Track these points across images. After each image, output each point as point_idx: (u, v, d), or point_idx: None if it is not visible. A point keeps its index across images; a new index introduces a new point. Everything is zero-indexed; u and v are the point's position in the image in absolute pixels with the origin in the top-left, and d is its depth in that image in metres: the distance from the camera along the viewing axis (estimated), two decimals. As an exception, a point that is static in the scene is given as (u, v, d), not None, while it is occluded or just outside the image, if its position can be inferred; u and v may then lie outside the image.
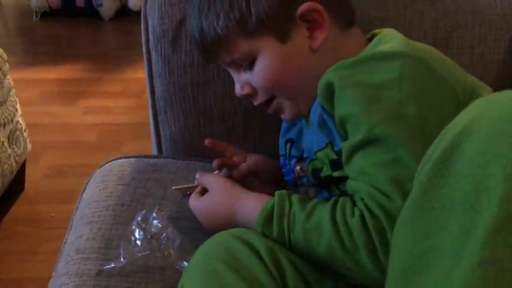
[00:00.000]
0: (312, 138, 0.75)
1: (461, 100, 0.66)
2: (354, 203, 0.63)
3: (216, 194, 0.76)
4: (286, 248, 0.65)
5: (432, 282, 0.45)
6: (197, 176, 0.80)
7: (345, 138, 0.67)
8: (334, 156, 0.70)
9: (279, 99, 0.78)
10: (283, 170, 0.83)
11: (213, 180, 0.78)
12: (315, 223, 0.63)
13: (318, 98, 0.69)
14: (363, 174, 0.63)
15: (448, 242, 0.44)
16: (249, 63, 0.75)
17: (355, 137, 0.64)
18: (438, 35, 0.91)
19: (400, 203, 0.57)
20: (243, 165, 0.84)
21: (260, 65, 0.74)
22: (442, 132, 0.49)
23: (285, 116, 0.80)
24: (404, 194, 0.56)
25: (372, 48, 0.72)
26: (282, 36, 0.73)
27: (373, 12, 0.90)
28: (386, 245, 0.58)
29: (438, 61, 0.69)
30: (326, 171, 0.72)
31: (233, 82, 0.92)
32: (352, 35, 0.76)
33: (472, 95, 0.69)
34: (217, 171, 0.83)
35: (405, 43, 0.70)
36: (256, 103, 0.79)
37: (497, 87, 0.77)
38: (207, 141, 0.85)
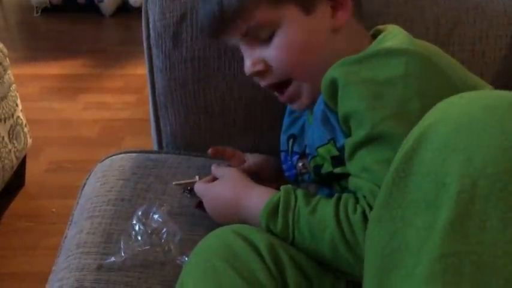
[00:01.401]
0: (314, 134, 0.74)
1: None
2: (357, 200, 0.63)
3: (225, 182, 0.77)
4: (287, 243, 0.65)
5: (400, 279, 0.46)
6: (213, 167, 0.82)
7: (347, 135, 0.66)
8: (336, 153, 0.69)
9: (295, 83, 0.75)
10: (284, 165, 0.83)
11: (226, 170, 0.79)
12: (319, 218, 0.63)
13: (322, 96, 0.69)
14: (366, 171, 0.63)
15: (413, 239, 0.46)
16: (267, 35, 0.72)
17: (358, 133, 0.64)
18: (439, 31, 0.90)
19: None
20: (244, 166, 0.84)
21: (281, 38, 0.72)
22: (408, 135, 0.50)
23: (298, 103, 0.77)
24: None
25: (377, 45, 0.71)
26: (307, 8, 0.71)
27: (375, 7, 0.90)
28: None
29: (442, 59, 0.69)
30: (327, 168, 0.71)
31: (234, 77, 0.92)
32: (361, 28, 0.76)
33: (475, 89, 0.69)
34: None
35: (409, 40, 0.70)
36: (265, 83, 0.76)
37: (498, 83, 0.77)
38: (210, 151, 0.85)
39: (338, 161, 0.69)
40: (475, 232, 0.42)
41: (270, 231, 0.67)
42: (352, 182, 0.65)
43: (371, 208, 0.60)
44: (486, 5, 0.92)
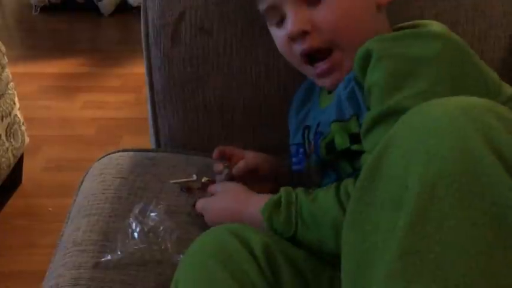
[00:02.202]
0: (331, 111, 0.73)
1: (491, 89, 0.67)
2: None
3: (225, 194, 0.78)
4: (289, 236, 0.66)
5: (367, 281, 0.47)
6: (211, 187, 0.82)
7: (369, 108, 0.66)
8: (356, 130, 0.69)
9: (337, 52, 0.73)
10: (294, 159, 0.82)
11: (225, 184, 0.80)
12: (320, 204, 0.65)
13: (353, 68, 0.68)
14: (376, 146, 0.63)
15: (379, 241, 0.47)
16: None
17: (378, 107, 0.63)
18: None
19: None
20: (241, 163, 0.84)
21: None
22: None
23: (335, 76, 0.75)
24: None
25: (413, 27, 0.73)
26: None
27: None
28: None
29: (473, 52, 0.69)
30: (342, 144, 0.70)
31: (233, 76, 0.92)
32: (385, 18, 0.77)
33: (500, 88, 0.70)
34: (220, 168, 0.84)
35: (444, 27, 0.71)
36: (305, 46, 0.73)
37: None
38: (215, 154, 0.85)
39: (357, 138, 0.68)
40: (433, 231, 0.44)
41: (271, 226, 0.67)
42: (363, 159, 0.65)
43: None
44: (485, 6, 0.92)
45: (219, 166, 0.85)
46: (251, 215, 0.71)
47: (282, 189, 0.69)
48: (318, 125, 0.77)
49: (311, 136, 0.79)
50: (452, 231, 0.43)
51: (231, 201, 0.76)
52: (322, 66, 0.74)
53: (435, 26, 0.73)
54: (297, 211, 0.66)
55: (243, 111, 0.95)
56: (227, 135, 0.97)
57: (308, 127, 0.81)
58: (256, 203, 0.71)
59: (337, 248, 0.62)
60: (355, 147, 0.69)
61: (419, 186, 0.45)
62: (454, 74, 0.63)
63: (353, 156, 0.70)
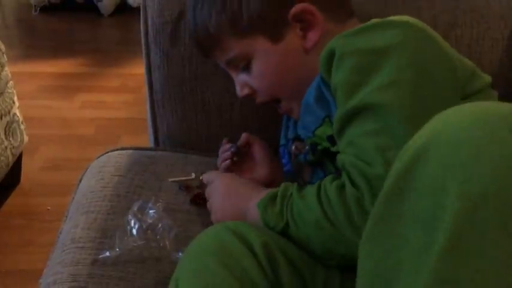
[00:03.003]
0: (306, 121, 0.74)
1: (460, 76, 0.66)
2: (339, 175, 0.63)
3: (237, 177, 0.79)
4: (279, 231, 0.66)
5: None
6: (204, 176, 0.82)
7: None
8: (331, 132, 0.69)
9: (285, 101, 0.78)
10: (283, 160, 0.83)
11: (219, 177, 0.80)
12: (307, 201, 0.64)
13: (319, 69, 0.69)
14: (350, 145, 0.63)
15: (408, 260, 0.44)
16: (244, 64, 0.76)
17: (345, 106, 0.63)
18: (436, 32, 0.91)
19: (382, 171, 0.57)
20: (244, 134, 0.87)
21: (256, 67, 0.75)
22: (404, 148, 0.48)
23: (295, 116, 0.80)
24: (387, 163, 0.56)
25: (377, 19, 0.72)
26: (275, 36, 0.73)
27: (372, 8, 0.90)
28: (363, 211, 0.58)
29: (440, 38, 0.69)
30: (324, 145, 0.71)
31: (231, 77, 0.93)
32: (351, 27, 0.76)
33: (473, 76, 0.69)
34: (226, 146, 0.86)
35: (411, 18, 0.70)
36: (257, 102, 0.80)
37: (494, 85, 0.78)
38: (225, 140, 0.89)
39: (334, 140, 0.69)
40: (473, 259, 0.40)
41: (264, 220, 0.67)
42: (338, 159, 0.64)
43: (351, 181, 0.60)
44: (483, 8, 0.92)
45: (225, 144, 0.88)
46: (252, 208, 0.71)
47: (282, 184, 0.69)
48: (297, 130, 0.79)
49: (289, 134, 0.82)
50: (494, 260, 0.40)
51: (241, 184, 0.76)
52: (280, 110, 0.81)
53: (398, 16, 0.72)
54: (288, 206, 0.66)
55: (241, 110, 0.95)
56: (225, 134, 0.97)
57: (288, 128, 0.84)
58: (256, 197, 0.71)
59: (322, 247, 0.63)
60: (334, 149, 0.69)
61: (458, 206, 0.41)
62: (416, 61, 0.62)
63: (333, 157, 0.70)
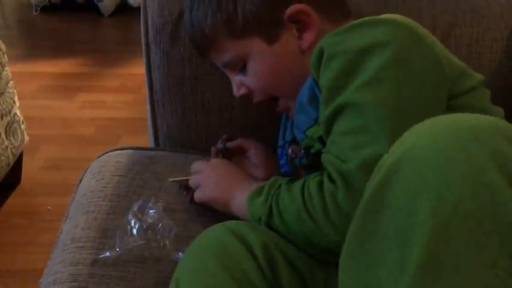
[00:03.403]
0: (299, 120, 0.75)
1: (448, 75, 0.65)
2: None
3: (225, 165, 0.80)
4: (263, 222, 0.66)
5: None
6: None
7: None
8: (321, 132, 0.69)
9: (282, 99, 0.78)
10: (281, 161, 0.83)
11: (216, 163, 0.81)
12: (291, 193, 0.65)
13: (311, 69, 0.69)
14: (333, 144, 0.63)
15: (385, 278, 0.44)
16: (241, 66, 0.76)
17: (329, 107, 0.63)
18: (436, 33, 0.91)
19: (354, 167, 0.58)
20: (238, 139, 0.87)
21: (251, 68, 0.76)
22: (379, 163, 0.48)
23: (291, 114, 0.80)
24: (362, 159, 0.58)
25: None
26: (270, 37, 0.73)
27: (372, 8, 0.90)
28: (338, 206, 0.59)
29: (430, 37, 0.69)
30: (317, 147, 0.72)
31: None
32: None
33: (462, 75, 0.69)
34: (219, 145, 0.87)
35: (400, 16, 0.70)
36: (254, 101, 0.81)
37: (494, 86, 0.78)
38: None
39: (324, 141, 0.69)
40: (447, 275, 0.41)
41: (251, 212, 0.68)
42: (322, 159, 0.65)
43: (329, 178, 0.61)
44: (483, 8, 0.92)
45: (220, 141, 0.88)
46: (237, 198, 0.72)
47: (273, 177, 0.70)
48: (292, 129, 0.80)
49: (287, 136, 0.82)
50: (468, 275, 0.40)
51: (230, 172, 0.77)
52: (277, 108, 0.81)
53: (387, 14, 0.71)
54: (275, 194, 0.66)
55: (241, 110, 0.95)
56: (225, 134, 0.98)
57: (286, 129, 0.84)
58: (248, 186, 0.72)
59: (302, 238, 0.64)
60: (324, 150, 0.69)
61: (431, 223, 0.41)
62: (400, 59, 0.62)
63: None
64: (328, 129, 0.65)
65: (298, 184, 0.65)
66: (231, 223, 0.66)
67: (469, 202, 0.41)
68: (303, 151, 0.75)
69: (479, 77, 0.72)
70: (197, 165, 0.82)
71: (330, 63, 0.64)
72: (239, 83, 0.79)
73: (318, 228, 0.61)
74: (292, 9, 0.72)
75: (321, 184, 0.62)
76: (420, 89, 0.62)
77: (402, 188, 0.44)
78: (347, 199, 0.59)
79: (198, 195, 0.79)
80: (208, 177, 0.79)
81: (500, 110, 0.72)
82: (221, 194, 0.76)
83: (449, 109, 0.63)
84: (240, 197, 0.72)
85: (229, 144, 0.87)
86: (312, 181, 0.63)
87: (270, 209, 0.66)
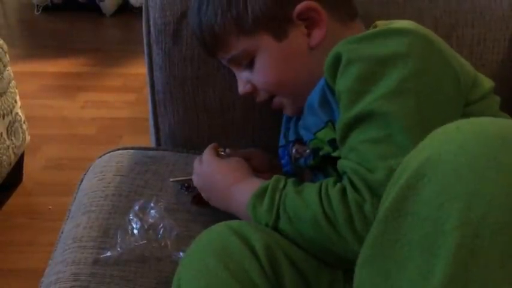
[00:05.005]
0: (308, 122, 0.75)
1: (462, 84, 0.66)
2: (341, 180, 0.63)
3: (227, 162, 0.78)
4: (269, 227, 0.65)
5: None
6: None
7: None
8: (333, 135, 0.69)
9: (279, 97, 0.79)
10: (283, 161, 0.83)
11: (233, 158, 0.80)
12: (304, 198, 0.64)
13: (324, 74, 0.69)
14: (353, 151, 0.63)
15: (406, 285, 0.43)
16: (248, 61, 0.76)
17: (349, 113, 0.63)
18: (437, 33, 0.90)
19: (383, 177, 0.57)
20: (239, 152, 0.85)
21: (259, 64, 0.76)
22: (401, 167, 0.47)
23: (287, 112, 0.81)
24: (389, 169, 0.56)
25: (382, 26, 0.72)
26: (279, 34, 0.74)
27: (373, 9, 0.90)
28: (364, 217, 0.58)
29: (444, 45, 0.69)
30: (326, 150, 0.71)
31: (233, 77, 0.93)
32: (354, 29, 0.76)
33: (475, 83, 0.69)
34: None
35: (415, 25, 0.70)
36: (257, 100, 0.81)
37: (496, 87, 0.78)
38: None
39: (336, 144, 0.69)
40: None
41: (255, 217, 0.67)
42: (339, 164, 0.64)
43: (353, 186, 0.60)
44: (484, 9, 0.92)
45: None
46: (238, 204, 0.71)
47: (274, 177, 0.69)
48: (298, 130, 0.79)
49: (290, 135, 0.82)
50: None
51: (229, 170, 0.76)
52: (272, 105, 0.81)
53: (401, 23, 0.72)
54: (281, 200, 0.65)
55: (242, 110, 0.95)
56: (227, 134, 0.98)
57: (288, 129, 0.84)
58: (248, 184, 0.71)
59: (319, 244, 0.62)
60: (335, 153, 0.69)
61: (459, 234, 0.40)
62: (421, 71, 0.62)
63: (335, 162, 0.70)
64: (346, 135, 0.64)
65: (311, 188, 0.64)
66: (233, 223, 0.66)
67: (501, 214, 0.40)
68: (308, 151, 0.75)
69: (489, 83, 0.73)
70: (195, 163, 0.81)
71: (349, 68, 0.64)
72: (245, 80, 0.79)
73: (339, 237, 0.60)
74: (302, 6, 0.73)
75: (343, 192, 0.61)
76: (441, 100, 0.62)
77: (428, 195, 0.43)
78: (374, 210, 0.57)
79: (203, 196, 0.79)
80: (204, 177, 0.78)
81: (507, 117, 0.72)
82: (219, 193, 0.75)
83: (465, 116, 0.63)
84: (240, 197, 0.71)
85: (233, 154, 0.84)
86: (332, 188, 0.62)
87: (278, 214, 0.65)
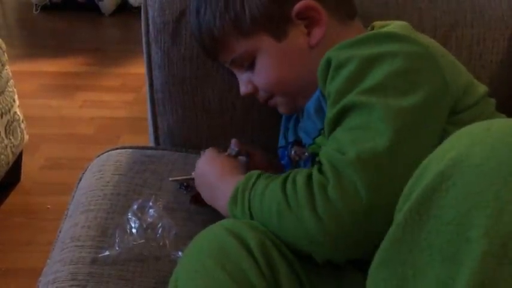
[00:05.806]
0: (308, 127, 0.75)
1: (449, 93, 0.65)
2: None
3: (218, 159, 0.78)
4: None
5: None
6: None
7: None
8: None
9: (276, 97, 0.79)
10: (283, 161, 0.83)
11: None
12: (269, 190, 0.63)
13: (318, 80, 0.68)
14: (332, 140, 0.62)
15: None
16: (249, 63, 0.76)
17: (335, 108, 0.63)
18: (437, 33, 0.91)
19: (353, 158, 0.56)
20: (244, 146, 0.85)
21: (260, 65, 0.75)
22: (422, 166, 0.45)
23: (281, 109, 0.81)
24: (358, 152, 0.56)
25: (375, 30, 0.72)
26: (278, 34, 0.74)
27: (373, 9, 0.90)
28: (327, 198, 0.57)
29: (438, 52, 0.69)
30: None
31: (232, 77, 0.93)
32: (352, 28, 0.76)
33: (468, 91, 0.69)
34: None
35: (408, 29, 0.70)
36: (261, 100, 0.81)
37: (495, 87, 0.78)
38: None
39: None
40: None
41: (236, 218, 0.67)
42: (320, 153, 0.63)
43: (319, 169, 0.59)
44: (484, 9, 0.92)
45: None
46: (223, 204, 0.71)
47: (247, 174, 0.68)
48: (298, 132, 0.79)
49: (289, 136, 0.82)
50: None
51: (216, 167, 0.76)
52: (269, 103, 0.81)
53: (396, 25, 0.72)
54: (250, 198, 0.65)
55: (241, 110, 0.95)
56: (226, 134, 0.97)
57: (287, 130, 0.84)
58: (230, 183, 0.70)
59: (285, 237, 0.61)
60: None
61: (485, 243, 0.39)
62: (407, 72, 0.62)
63: None
64: (332, 131, 0.64)
65: (278, 179, 0.63)
66: (227, 222, 0.66)
67: None
68: (307, 154, 0.75)
69: (482, 89, 0.72)
70: (197, 163, 0.81)
71: (340, 71, 0.64)
72: (247, 81, 0.79)
73: (300, 221, 0.59)
74: (301, 4, 0.72)
75: (309, 176, 0.60)
76: (422, 102, 0.61)
77: (454, 199, 0.41)
78: (337, 191, 0.56)
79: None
80: (199, 177, 0.79)
81: (504, 117, 0.72)
82: (209, 194, 0.75)
83: (453, 124, 0.62)
84: (223, 199, 0.70)
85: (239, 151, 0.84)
86: (300, 174, 0.61)
87: (251, 214, 0.65)
